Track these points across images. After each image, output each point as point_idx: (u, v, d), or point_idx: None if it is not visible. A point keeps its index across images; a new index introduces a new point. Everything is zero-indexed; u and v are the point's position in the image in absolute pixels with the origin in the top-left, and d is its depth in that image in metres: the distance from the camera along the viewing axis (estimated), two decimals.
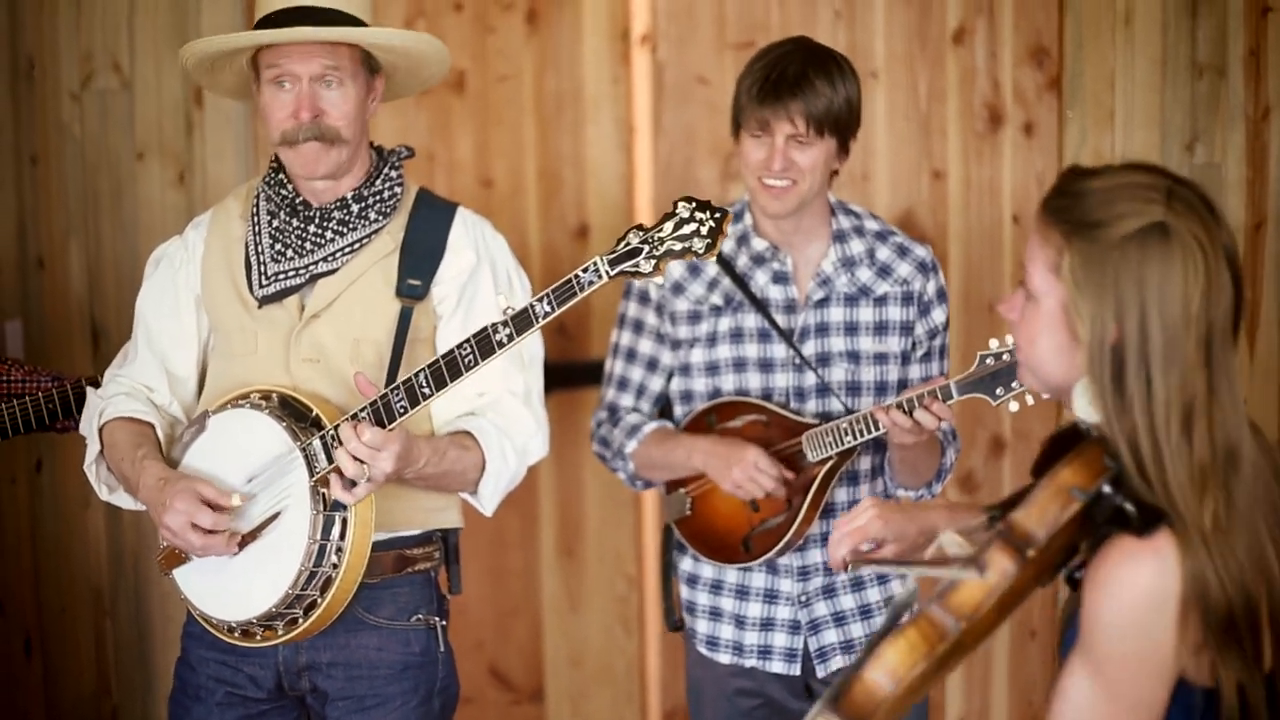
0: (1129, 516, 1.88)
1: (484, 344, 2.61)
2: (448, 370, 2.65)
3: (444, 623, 2.98)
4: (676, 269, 3.24)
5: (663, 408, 3.33)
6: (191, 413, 2.99)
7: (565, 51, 4.21)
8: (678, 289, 3.25)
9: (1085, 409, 1.93)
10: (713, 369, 3.22)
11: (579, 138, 4.22)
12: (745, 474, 3.08)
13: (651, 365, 3.29)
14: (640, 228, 2.56)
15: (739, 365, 3.20)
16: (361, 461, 2.63)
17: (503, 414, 2.91)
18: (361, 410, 2.69)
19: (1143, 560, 1.86)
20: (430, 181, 4.11)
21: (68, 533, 4.27)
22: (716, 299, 3.22)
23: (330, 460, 2.71)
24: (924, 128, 4.12)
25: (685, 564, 3.32)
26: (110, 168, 4.21)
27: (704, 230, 2.54)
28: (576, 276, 2.55)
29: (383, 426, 2.67)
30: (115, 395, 2.99)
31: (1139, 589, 1.86)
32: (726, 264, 3.20)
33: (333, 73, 2.84)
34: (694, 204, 2.55)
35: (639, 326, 3.29)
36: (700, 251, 2.54)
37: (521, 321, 2.58)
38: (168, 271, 3.04)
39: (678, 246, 2.54)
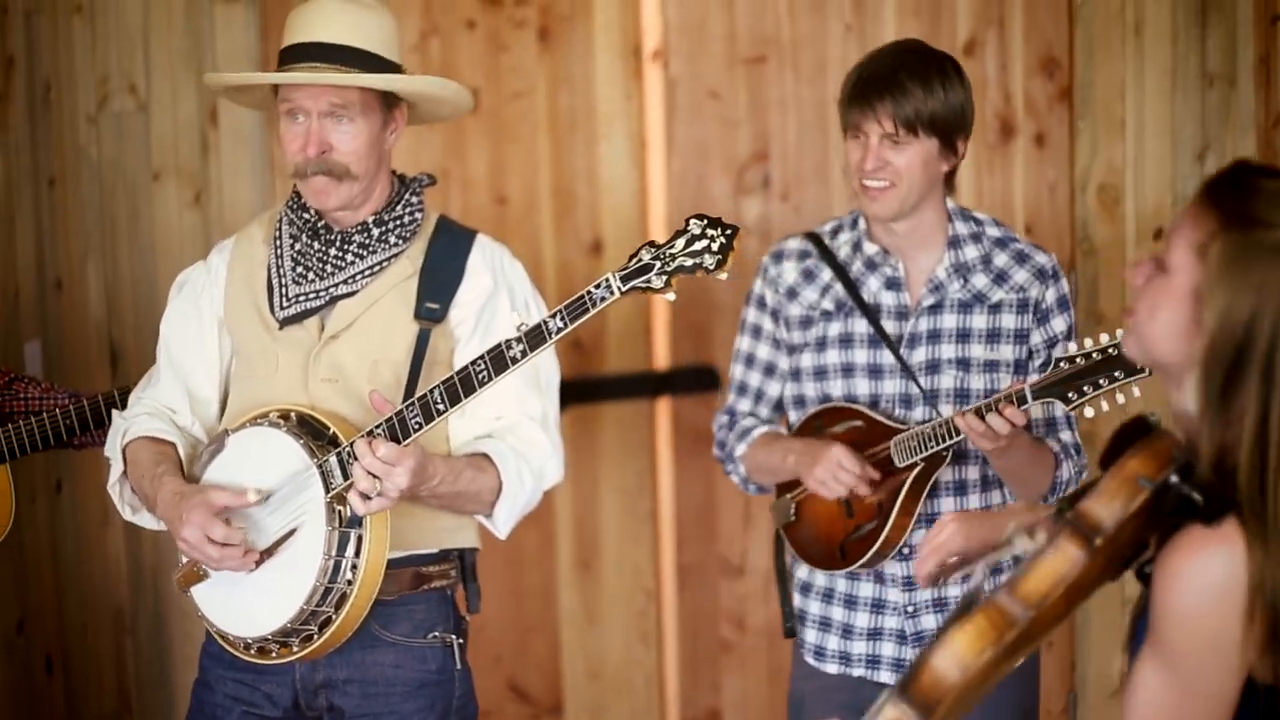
0: (1197, 506, 1.87)
1: (498, 360, 2.63)
2: (462, 386, 2.67)
3: (461, 641, 2.99)
4: (791, 274, 3.24)
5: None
6: (214, 435, 3.01)
7: (578, 68, 4.23)
8: (792, 294, 3.24)
9: (1188, 397, 1.92)
10: (821, 374, 3.21)
11: (592, 154, 4.24)
12: (828, 470, 3.05)
13: (769, 370, 3.29)
14: (652, 244, 2.58)
15: (847, 371, 3.19)
16: (376, 477, 2.65)
17: (520, 438, 2.93)
18: (377, 426, 2.71)
19: (1212, 549, 1.85)
20: (445, 199, 4.13)
21: (88, 551, 4.29)
22: (828, 304, 3.20)
23: (346, 477, 2.73)
24: None
25: (801, 572, 3.30)
26: (127, 189, 4.24)
27: (715, 246, 2.56)
28: (589, 292, 2.57)
29: (398, 443, 2.69)
30: (138, 415, 3.02)
31: (1209, 577, 1.84)
32: (840, 269, 3.19)
33: (341, 110, 2.87)
34: (705, 220, 2.57)
35: (757, 332, 3.29)
36: (711, 268, 2.55)
37: (535, 337, 2.60)
38: (191, 295, 3.07)
39: (689, 263, 2.56)
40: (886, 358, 3.17)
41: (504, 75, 4.23)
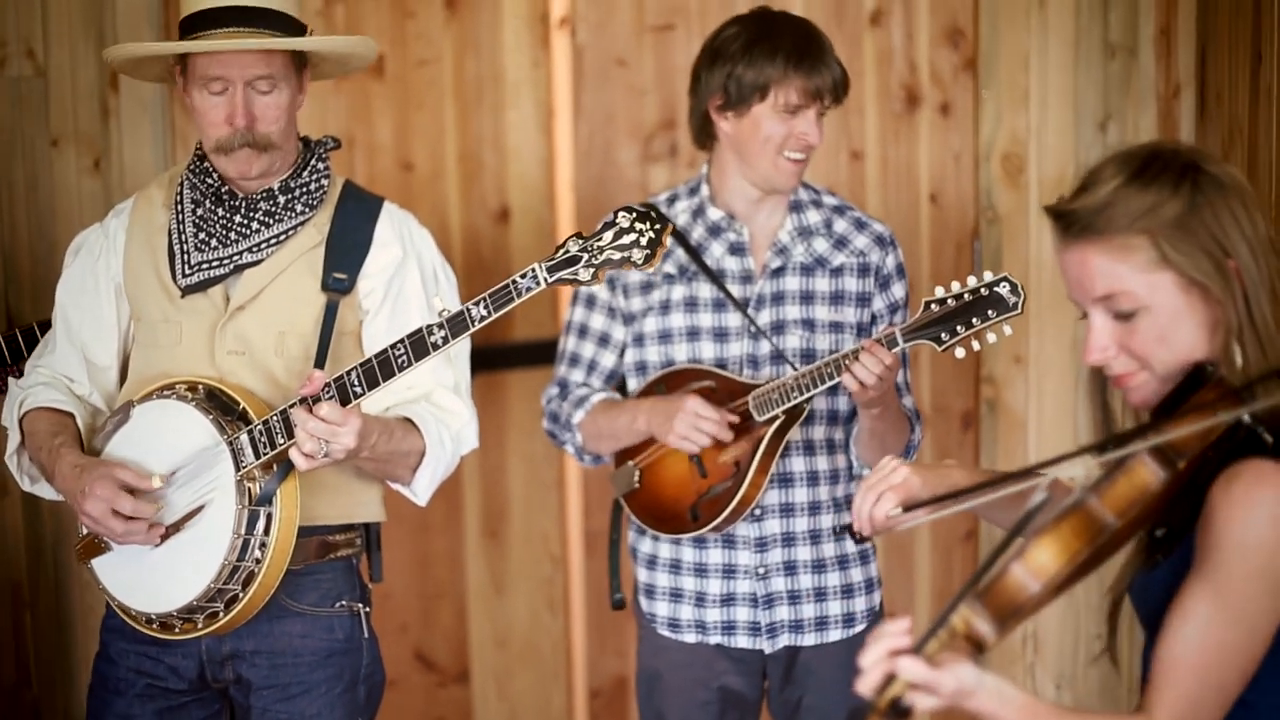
0: (1264, 442, 1.92)
1: (418, 345, 2.61)
2: (380, 369, 2.65)
3: (368, 609, 2.98)
4: None
5: (619, 386, 3.32)
6: (113, 403, 2.97)
7: (485, 35, 4.20)
8: None
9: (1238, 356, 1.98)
10: (665, 337, 3.21)
11: (499, 121, 4.22)
12: (687, 422, 3.05)
13: (603, 341, 3.28)
14: (580, 236, 2.56)
15: (692, 334, 3.20)
16: (323, 440, 2.63)
17: (436, 404, 2.92)
18: (293, 404, 2.69)
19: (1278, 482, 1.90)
20: (350, 165, 4.10)
21: None
22: (669, 268, 3.21)
23: (258, 455, 2.72)
24: (842, 108, 4.11)
25: (644, 545, 3.31)
26: (25, 155, 4.17)
27: (643, 241, 2.55)
28: (515, 282, 2.56)
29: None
30: (35, 385, 2.97)
31: (1272, 508, 1.88)
32: (680, 236, 3.20)
33: (267, 80, 2.82)
34: (634, 214, 2.56)
35: (591, 302, 3.28)
36: (639, 262, 2.55)
37: (457, 324, 2.59)
38: (87, 260, 3.01)
39: (616, 256, 2.55)
40: (732, 320, 3.19)
41: (410, 41, 4.19)
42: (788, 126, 3.08)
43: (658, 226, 2.56)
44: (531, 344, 4.18)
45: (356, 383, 2.67)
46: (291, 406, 2.68)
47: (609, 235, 2.56)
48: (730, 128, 3.14)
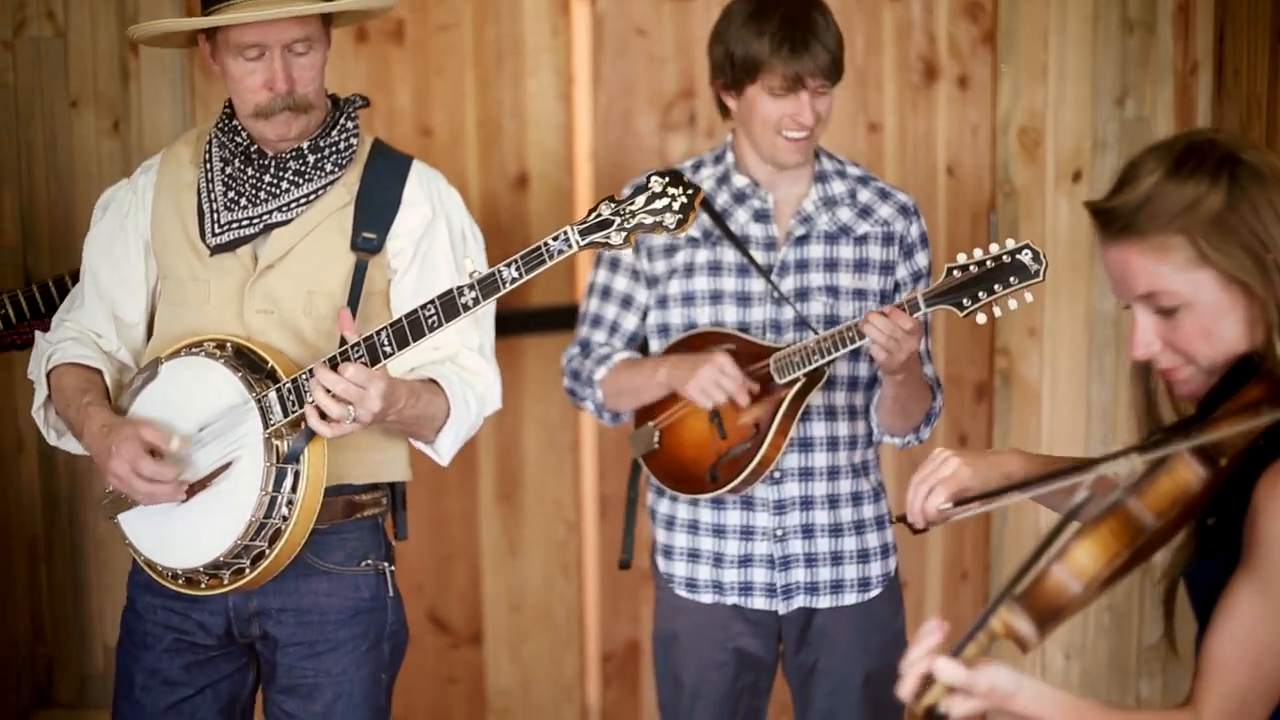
0: None
1: (449, 306, 2.61)
2: (410, 330, 2.66)
3: (393, 568, 3.00)
4: None
5: (641, 349, 3.33)
6: (140, 359, 2.98)
7: (505, 2, 4.20)
8: None
9: None
10: (689, 300, 3.23)
11: (519, 88, 4.23)
12: (710, 376, 3.06)
13: (626, 302, 3.30)
14: (612, 199, 2.57)
15: (715, 298, 3.22)
16: (346, 402, 2.63)
17: (461, 365, 2.93)
18: (327, 360, 2.69)
19: None
20: (369, 130, 4.08)
21: (2, 480, 4.25)
22: (694, 231, 3.22)
23: (286, 413, 2.73)
24: (860, 81, 4.17)
25: (663, 505, 3.33)
26: (44, 116, 4.18)
27: (675, 205, 2.55)
28: (546, 245, 2.57)
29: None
30: (63, 340, 2.98)
31: None
32: (705, 201, 3.21)
33: (304, 42, 2.82)
34: (667, 179, 2.57)
35: (615, 264, 3.30)
36: (671, 227, 2.55)
37: (488, 286, 2.59)
38: (115, 216, 3.02)
39: (649, 220, 2.55)
40: (755, 286, 3.21)
41: (430, 7, 4.20)
42: (780, 107, 3.10)
43: (690, 191, 2.56)
44: (548, 309, 4.19)
45: (386, 343, 2.67)
46: (324, 361, 2.68)
47: (641, 200, 2.56)
48: (734, 105, 3.17)
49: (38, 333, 3.08)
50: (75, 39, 4.15)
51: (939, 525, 2.37)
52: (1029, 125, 4.09)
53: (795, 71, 3.05)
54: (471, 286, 2.61)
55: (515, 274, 2.58)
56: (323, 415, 2.65)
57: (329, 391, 2.63)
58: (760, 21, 3.08)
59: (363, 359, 2.67)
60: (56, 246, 4.20)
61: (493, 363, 2.99)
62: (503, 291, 2.59)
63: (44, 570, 4.35)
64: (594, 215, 2.57)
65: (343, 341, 2.70)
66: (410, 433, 2.90)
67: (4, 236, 4.14)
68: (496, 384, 2.98)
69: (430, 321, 2.63)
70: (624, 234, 2.55)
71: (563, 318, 4.20)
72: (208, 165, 2.96)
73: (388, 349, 2.68)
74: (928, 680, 1.83)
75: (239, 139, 2.93)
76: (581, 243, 2.56)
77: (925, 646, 1.85)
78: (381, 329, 2.67)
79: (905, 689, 1.85)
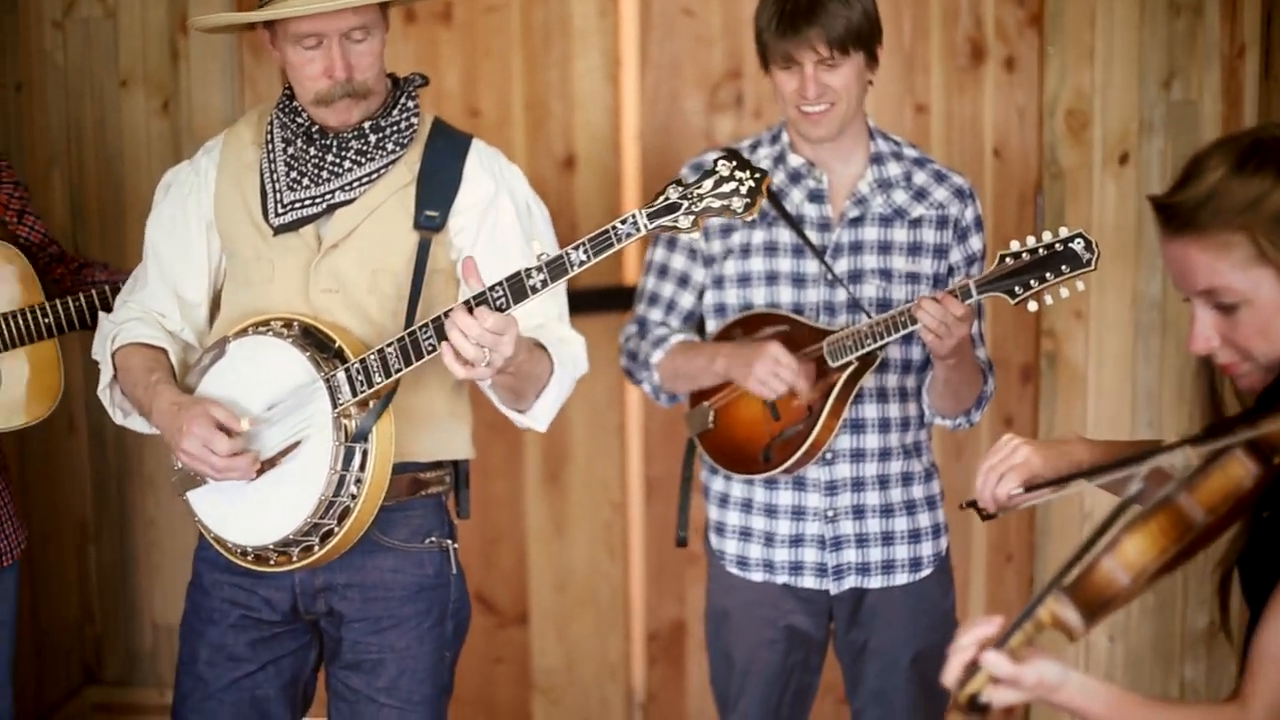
0: None
1: (517, 288, 2.61)
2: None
3: (456, 545, 3.03)
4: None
5: (698, 327, 3.35)
6: (204, 339, 3.00)
7: None
8: None
9: None
10: (745, 281, 3.25)
11: (566, 69, 4.24)
12: (767, 368, 3.08)
13: (683, 281, 3.32)
14: (679, 183, 2.57)
15: (771, 279, 3.24)
16: (484, 347, 2.60)
17: (553, 333, 2.94)
18: (389, 346, 2.71)
19: None
20: None
21: (52, 460, 4.28)
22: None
23: (355, 392, 2.74)
24: (907, 63, 4.17)
25: (716, 484, 3.36)
26: (94, 96, 4.21)
27: (743, 189, 2.55)
28: (614, 228, 2.57)
29: (410, 363, 2.70)
30: (127, 321, 3.00)
31: None
32: None
33: (361, 30, 2.84)
34: (735, 162, 2.57)
35: (672, 243, 3.32)
36: (739, 210, 2.56)
37: (556, 269, 2.59)
38: (177, 197, 3.03)
39: (716, 204, 2.55)
40: (810, 267, 3.22)
41: None
42: (790, 82, 3.12)
43: (757, 175, 2.56)
44: (595, 290, 4.21)
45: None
46: (462, 305, 2.63)
47: (709, 183, 2.56)
48: (774, 83, 3.19)
49: (101, 314, 3.11)
50: (125, 19, 4.17)
51: (1009, 511, 2.40)
52: (1076, 107, 4.09)
53: (786, 49, 3.07)
54: (539, 269, 2.61)
55: (583, 257, 2.58)
56: (458, 358, 2.62)
57: (465, 336, 2.60)
58: (776, 1, 3.11)
59: (430, 340, 2.67)
60: (106, 226, 4.23)
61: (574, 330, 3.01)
62: (570, 274, 2.59)
63: (93, 550, 4.38)
64: (661, 199, 2.57)
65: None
66: (517, 391, 2.86)
67: (54, 216, 4.16)
68: (584, 348, 2.99)
69: (499, 303, 2.62)
70: (692, 218, 2.56)
71: (610, 299, 4.21)
72: (269, 145, 2.97)
73: None
74: (971, 668, 1.85)
75: (300, 119, 2.94)
76: (649, 226, 2.57)
77: (974, 636, 1.87)
78: (449, 310, 2.64)
79: (949, 675, 1.87)
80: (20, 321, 3.24)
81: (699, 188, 2.56)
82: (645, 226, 2.57)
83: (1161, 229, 2.02)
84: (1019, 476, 2.34)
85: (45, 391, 3.30)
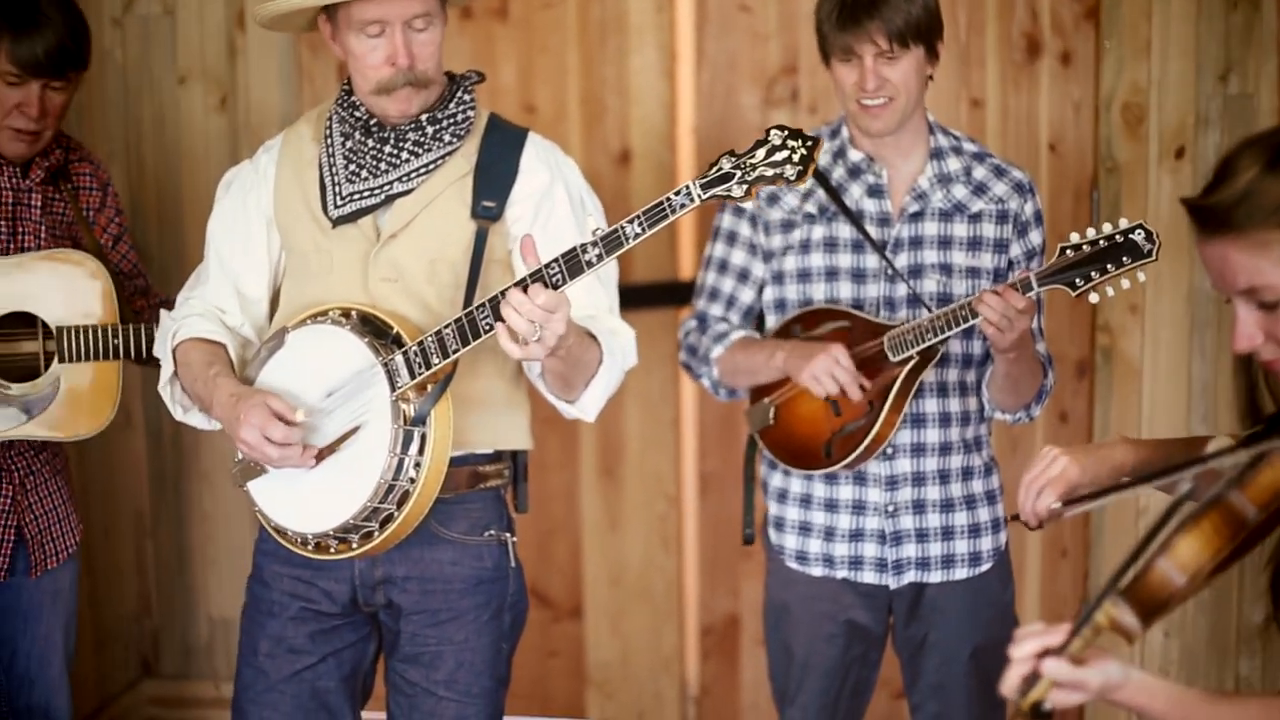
0: None
1: (573, 264, 2.62)
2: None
3: (514, 539, 3.04)
4: None
5: (758, 323, 3.36)
6: (263, 335, 3.03)
7: None
8: (772, 199, 3.28)
9: None
10: (805, 276, 3.26)
11: (622, 65, 4.25)
12: (825, 366, 3.09)
13: (743, 276, 3.33)
14: (732, 153, 2.58)
15: (831, 274, 3.24)
16: (536, 324, 2.61)
17: (604, 324, 2.95)
18: (445, 327, 2.72)
19: None
20: None
21: (109, 455, 4.31)
22: (810, 207, 3.26)
23: (413, 376, 2.76)
24: (963, 57, 4.17)
25: (775, 479, 3.37)
26: (152, 92, 4.24)
27: (795, 158, 2.56)
28: (669, 199, 2.58)
29: (467, 343, 2.71)
30: (188, 317, 3.03)
31: None
32: (821, 175, 3.23)
33: (424, 18, 2.87)
34: (786, 132, 2.58)
35: (732, 238, 3.33)
36: (792, 178, 2.56)
37: (611, 243, 2.60)
38: (239, 194, 3.07)
39: (769, 172, 2.56)
40: (870, 262, 3.23)
41: None
42: (849, 76, 3.13)
43: (809, 144, 2.57)
44: (650, 285, 4.22)
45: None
46: (517, 284, 2.65)
47: (761, 153, 2.57)
48: (833, 77, 3.19)
49: (162, 310, 3.14)
50: (183, 16, 4.20)
51: (1052, 523, 2.41)
52: (1132, 101, 4.07)
53: (845, 43, 3.09)
54: (595, 244, 2.61)
55: (638, 229, 2.59)
56: (513, 337, 2.64)
57: (518, 312, 2.61)
58: None
59: (487, 320, 2.68)
60: (164, 221, 4.26)
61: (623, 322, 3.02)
62: (626, 247, 2.60)
63: (150, 544, 4.42)
64: (715, 169, 2.58)
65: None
66: (567, 379, 2.87)
67: None
68: (633, 340, 3.00)
69: (555, 280, 2.63)
70: (745, 186, 2.56)
71: (664, 293, 4.22)
72: (328, 140, 3.00)
73: None
74: (1031, 679, 1.85)
75: (358, 113, 2.96)
76: (703, 196, 2.57)
77: (1030, 647, 1.88)
78: (505, 289, 2.65)
79: (1008, 686, 1.88)
80: (91, 337, 3.27)
81: (751, 157, 2.57)
82: (699, 196, 2.58)
83: (1198, 231, 2.01)
84: (1057, 490, 2.36)
85: (96, 411, 3.33)
